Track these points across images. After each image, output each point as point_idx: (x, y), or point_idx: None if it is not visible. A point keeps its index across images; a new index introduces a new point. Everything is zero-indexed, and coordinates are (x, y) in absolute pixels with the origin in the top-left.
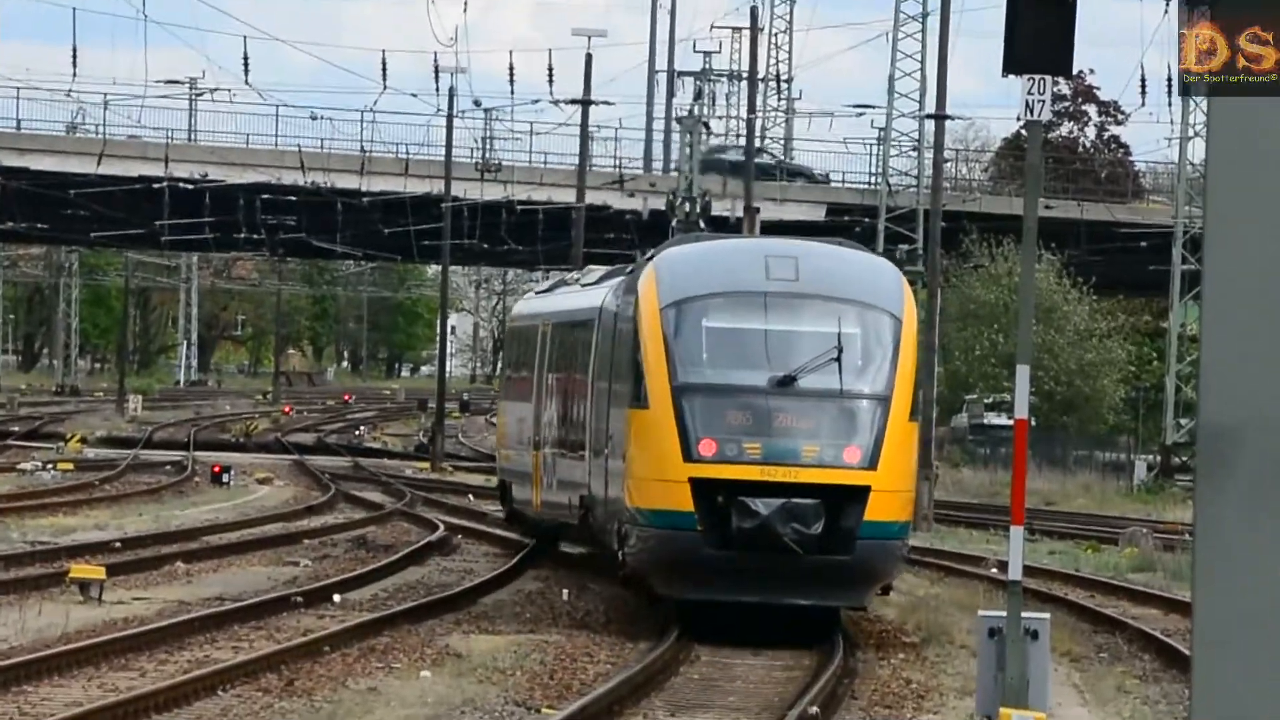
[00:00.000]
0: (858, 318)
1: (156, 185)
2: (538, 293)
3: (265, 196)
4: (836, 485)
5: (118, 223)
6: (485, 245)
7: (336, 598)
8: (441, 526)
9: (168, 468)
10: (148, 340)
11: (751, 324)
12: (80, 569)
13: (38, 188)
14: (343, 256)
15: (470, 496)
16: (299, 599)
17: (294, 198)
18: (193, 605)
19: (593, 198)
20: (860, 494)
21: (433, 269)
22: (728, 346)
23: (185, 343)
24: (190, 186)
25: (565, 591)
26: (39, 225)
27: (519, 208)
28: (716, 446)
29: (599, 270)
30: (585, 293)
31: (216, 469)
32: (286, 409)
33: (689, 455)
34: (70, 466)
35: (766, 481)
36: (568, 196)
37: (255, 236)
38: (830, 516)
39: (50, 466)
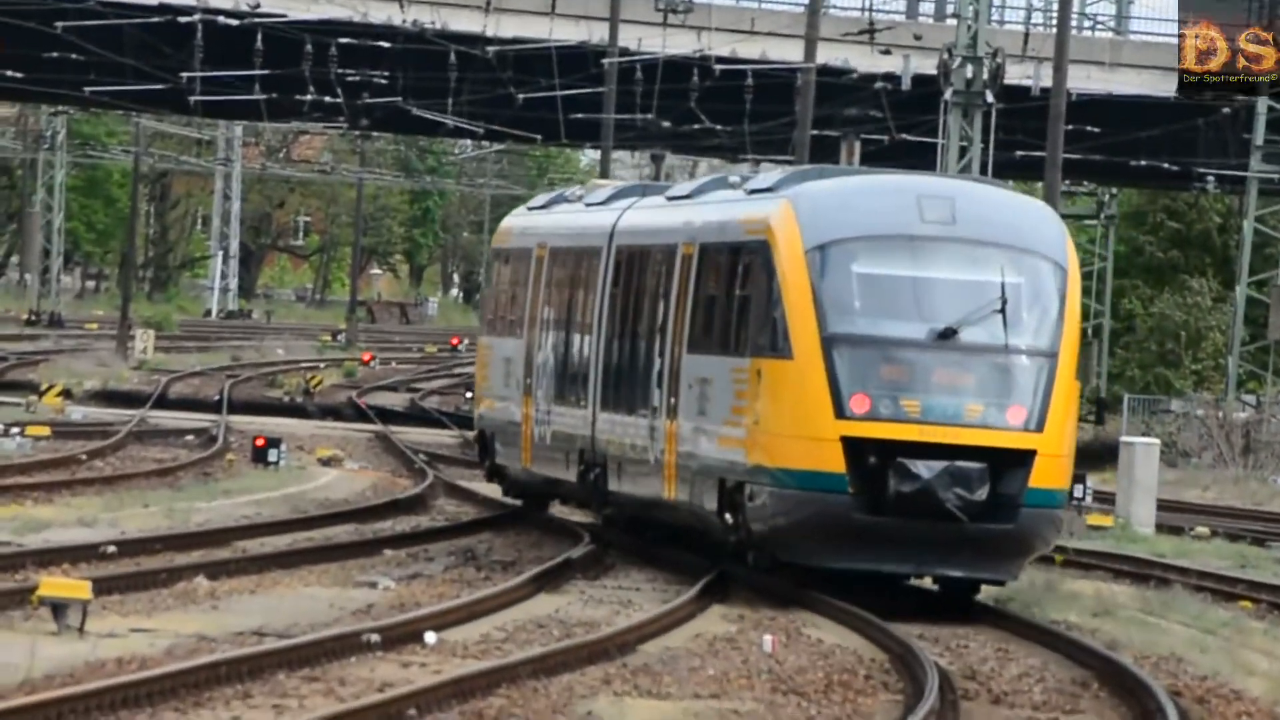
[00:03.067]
0: (1020, 266)
1: (184, 19)
2: (530, 208)
3: (344, 41)
4: (1001, 448)
5: (125, 73)
6: (666, 123)
7: (431, 637)
8: (587, 536)
9: (189, 438)
10: (165, 249)
11: (906, 270)
12: (54, 584)
13: (8, 18)
14: (456, 134)
15: None
16: (375, 637)
17: (386, 44)
18: (218, 641)
19: (827, 54)
20: (1025, 458)
21: (588, 155)
22: (881, 295)
23: (221, 254)
24: (235, 23)
25: (768, 638)
26: (8, 74)
27: (718, 67)
28: (870, 403)
29: (607, 186)
30: (592, 214)
31: (260, 442)
32: (366, 356)
33: (841, 412)
34: (45, 432)
35: (926, 442)
36: (791, 52)
37: (328, 100)
38: (993, 481)
39: (16, 431)
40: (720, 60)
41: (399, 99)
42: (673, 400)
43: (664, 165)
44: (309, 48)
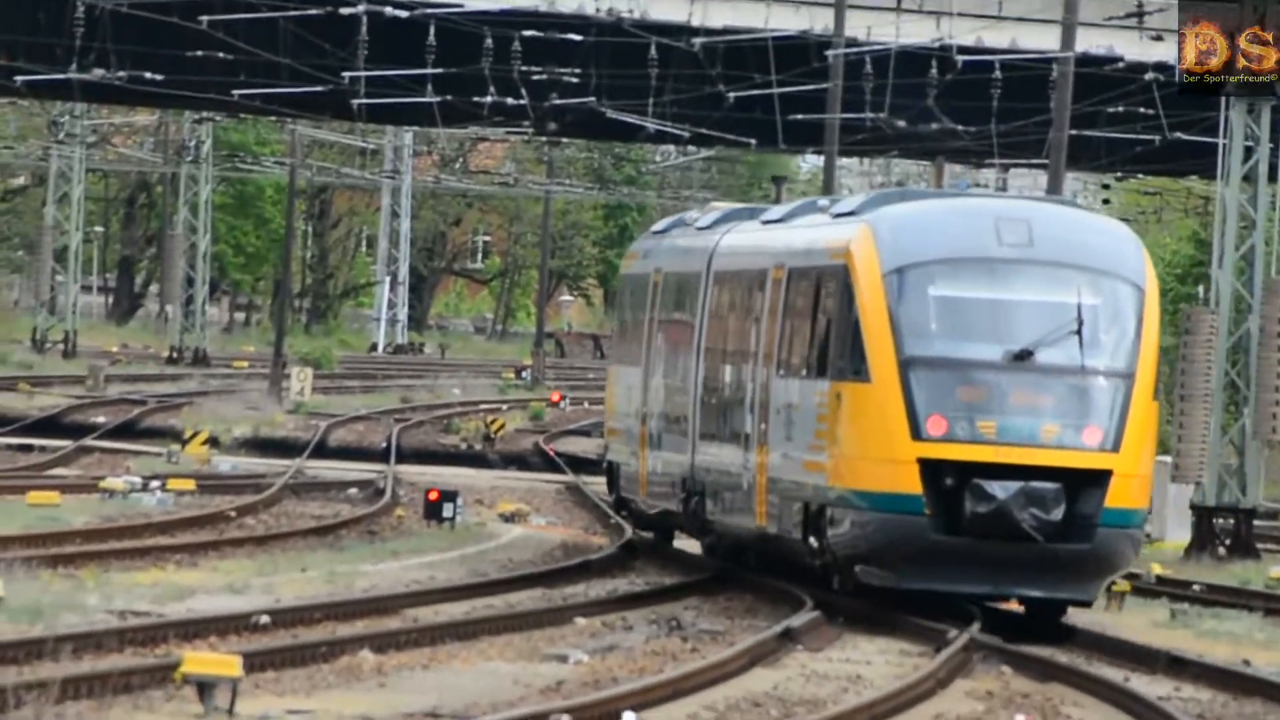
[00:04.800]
0: (1098, 287)
1: (347, 10)
2: (654, 232)
3: (529, 34)
4: (1077, 469)
5: (280, 73)
6: (901, 123)
7: (630, 718)
8: (810, 602)
9: (352, 491)
10: (325, 275)
11: (983, 293)
12: (199, 659)
13: (147, 13)
14: (657, 139)
15: None
16: (566, 718)
17: (577, 37)
18: None
19: (1088, 41)
20: (1102, 478)
21: (809, 162)
22: (958, 317)
23: (388, 280)
24: (404, 15)
25: (1021, 719)
26: (146, 75)
27: (960, 58)
28: (947, 425)
29: (719, 209)
30: (697, 238)
31: (434, 495)
32: (555, 396)
33: (917, 433)
34: (189, 486)
35: (1002, 464)
36: (1046, 39)
37: (509, 101)
38: (1069, 502)
39: (156, 485)
40: (963, 50)
41: (592, 99)
42: (763, 426)
43: (895, 173)
44: (489, 42)
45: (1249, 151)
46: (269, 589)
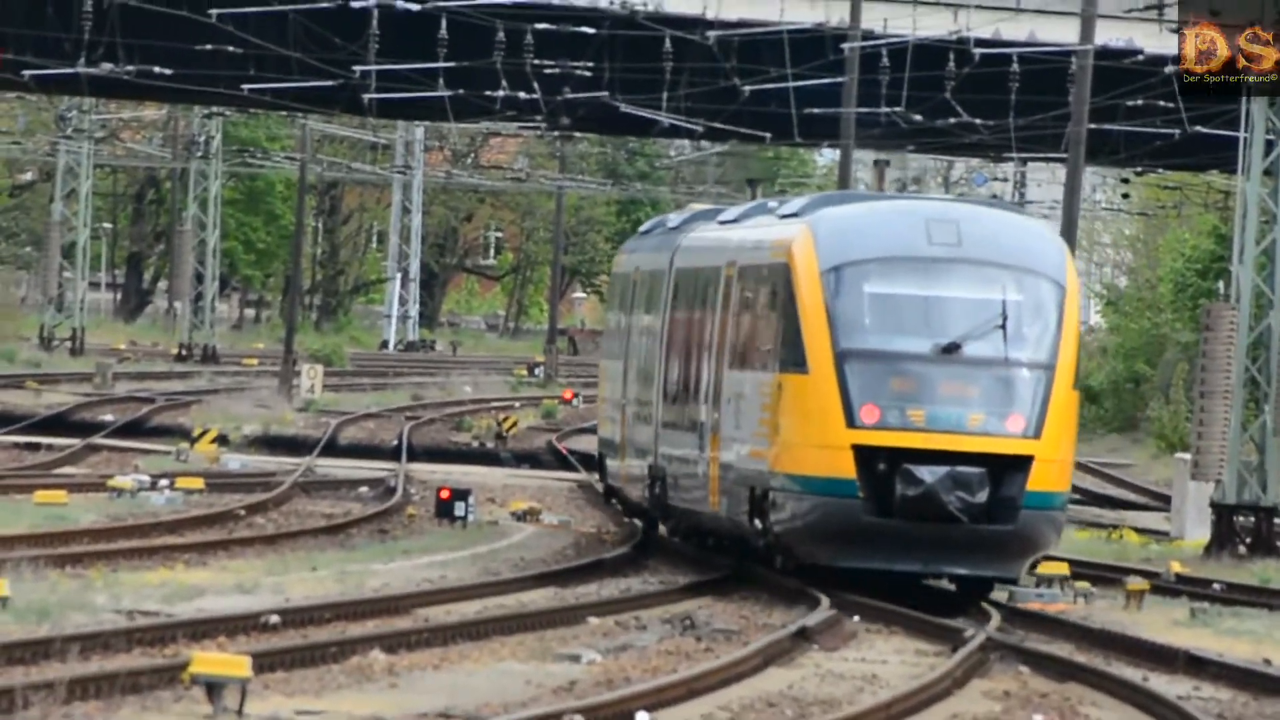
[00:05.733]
0: (1021, 284)
1: (358, 4)
2: (640, 233)
3: (541, 27)
4: (1000, 454)
5: (290, 68)
6: (917, 116)
7: (643, 718)
8: (825, 601)
9: (362, 490)
10: (336, 271)
11: (914, 290)
12: (208, 660)
13: (155, 5)
14: (671, 133)
15: None
16: (578, 718)
17: (590, 30)
18: None
19: (1107, 33)
20: (1024, 463)
21: (825, 156)
22: (890, 312)
23: (399, 277)
24: (415, 8)
25: (1039, 719)
26: (155, 70)
27: (978, 51)
28: (880, 413)
29: (691, 210)
30: (666, 237)
31: (445, 494)
32: (568, 394)
33: (852, 421)
34: (198, 484)
35: (930, 449)
36: (1064, 32)
37: (522, 96)
38: (993, 485)
39: (165, 484)
40: (981, 43)
41: (605, 94)
42: (716, 415)
43: (911, 167)
44: (501, 35)
45: (1270, 145)
46: (279, 588)
